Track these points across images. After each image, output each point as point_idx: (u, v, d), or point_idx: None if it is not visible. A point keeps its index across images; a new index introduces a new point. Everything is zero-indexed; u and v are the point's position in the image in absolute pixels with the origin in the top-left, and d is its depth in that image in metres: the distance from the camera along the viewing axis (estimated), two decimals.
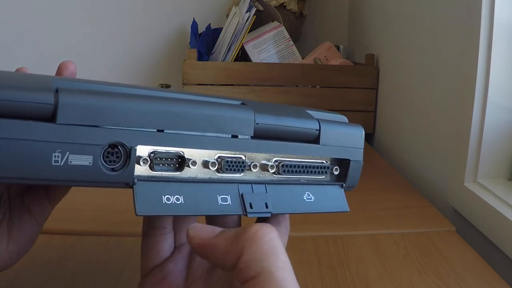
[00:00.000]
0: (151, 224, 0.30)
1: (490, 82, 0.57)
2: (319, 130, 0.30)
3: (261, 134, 0.27)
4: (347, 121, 0.33)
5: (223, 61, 1.05)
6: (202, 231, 0.25)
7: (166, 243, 0.30)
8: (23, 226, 0.28)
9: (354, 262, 0.45)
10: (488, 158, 0.59)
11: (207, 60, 1.06)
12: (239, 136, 0.27)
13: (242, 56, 1.12)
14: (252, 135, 0.27)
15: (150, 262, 0.30)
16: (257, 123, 0.27)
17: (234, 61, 1.05)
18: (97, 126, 0.22)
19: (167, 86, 1.16)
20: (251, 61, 1.10)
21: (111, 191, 0.23)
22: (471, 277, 0.43)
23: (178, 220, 0.31)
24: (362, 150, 0.32)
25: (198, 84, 1.01)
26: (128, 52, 1.32)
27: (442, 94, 0.70)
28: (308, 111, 0.32)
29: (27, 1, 1.26)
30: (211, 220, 0.32)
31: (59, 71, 0.30)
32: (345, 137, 0.31)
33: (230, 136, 0.26)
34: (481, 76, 0.57)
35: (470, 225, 0.58)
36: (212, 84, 1.01)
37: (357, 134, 0.32)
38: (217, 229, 0.25)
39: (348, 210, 0.31)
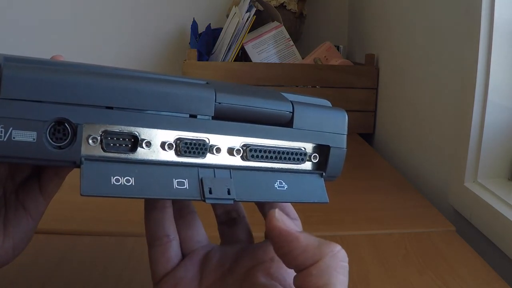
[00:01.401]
0: (154, 234, 0.30)
1: (490, 82, 0.57)
2: (293, 112, 0.27)
3: (224, 115, 0.25)
4: (330, 105, 0.31)
5: (223, 61, 1.05)
6: (287, 219, 0.25)
7: (173, 251, 0.30)
8: (19, 222, 0.29)
9: (354, 262, 0.45)
10: (488, 158, 0.59)
11: (207, 60, 1.06)
12: (198, 116, 0.25)
13: (242, 56, 1.12)
14: (213, 115, 0.25)
15: (160, 270, 0.30)
16: (219, 103, 0.25)
17: (234, 61, 1.05)
18: (41, 102, 0.21)
19: None
20: (251, 61, 1.10)
21: None
22: (471, 277, 0.43)
23: (185, 229, 0.31)
24: (345, 136, 0.29)
25: None
26: (128, 52, 1.32)
27: (442, 94, 0.70)
28: (284, 94, 0.29)
29: (27, 0, 1.26)
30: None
31: None
32: (324, 122, 0.28)
33: (188, 115, 0.25)
34: (481, 76, 0.57)
35: (470, 225, 0.58)
36: None
37: (339, 118, 0.29)
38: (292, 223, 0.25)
39: (327, 201, 0.28)
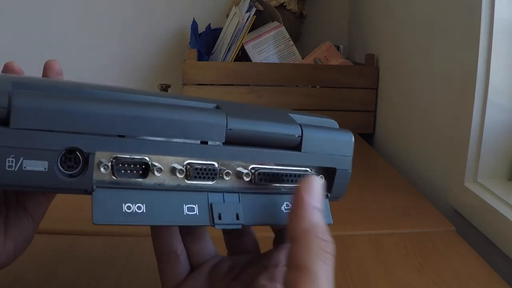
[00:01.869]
0: (162, 251, 0.31)
1: (490, 82, 0.57)
2: (301, 136, 0.28)
3: (234, 140, 0.26)
4: (337, 126, 0.31)
5: (223, 61, 1.05)
6: (318, 190, 0.25)
7: (181, 265, 0.31)
8: (20, 223, 0.29)
9: (354, 262, 0.45)
10: (488, 158, 0.59)
11: (207, 60, 1.06)
12: (209, 142, 0.25)
13: (242, 56, 1.12)
14: (224, 141, 0.25)
15: (170, 284, 0.30)
16: (230, 129, 0.25)
17: (234, 61, 1.05)
18: (52, 131, 0.21)
19: (167, 86, 1.16)
20: (251, 61, 1.10)
21: None
22: (471, 277, 0.43)
23: (193, 243, 0.32)
24: (351, 158, 0.30)
25: (198, 84, 1.01)
26: (128, 52, 1.32)
27: (442, 94, 0.70)
28: (292, 115, 0.30)
29: (27, 1, 1.26)
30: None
31: (44, 72, 0.30)
32: (331, 144, 0.29)
33: (199, 142, 0.25)
34: (481, 76, 0.57)
35: (470, 225, 0.58)
36: (212, 84, 1.01)
37: (346, 141, 0.29)
38: (321, 204, 0.25)
39: (331, 222, 0.29)
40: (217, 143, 0.25)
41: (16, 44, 1.27)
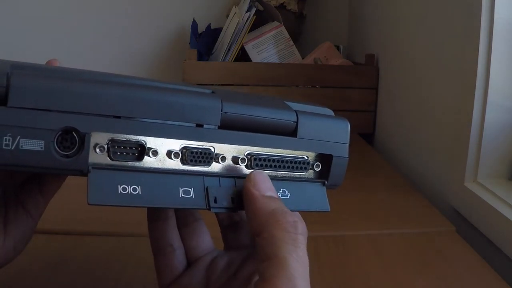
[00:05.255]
0: (158, 244, 0.31)
1: (490, 82, 0.57)
2: (297, 122, 0.28)
3: (230, 125, 0.26)
4: (333, 114, 0.31)
5: (223, 61, 1.05)
6: (264, 183, 0.25)
7: (177, 260, 0.30)
8: (19, 222, 0.29)
9: (354, 262, 0.45)
10: (488, 158, 0.59)
11: (207, 60, 1.06)
12: (205, 126, 0.25)
13: (242, 56, 1.12)
14: (219, 124, 0.25)
15: (166, 279, 0.30)
16: (225, 112, 0.25)
17: (234, 61, 1.05)
18: (49, 111, 0.21)
19: None
20: (251, 61, 1.10)
21: None
22: (471, 277, 0.43)
23: (190, 238, 0.31)
24: (347, 145, 0.30)
25: (198, 84, 1.01)
26: (128, 52, 1.32)
27: (442, 94, 0.70)
28: (287, 102, 0.30)
29: (27, 2, 1.26)
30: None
31: None
32: (327, 131, 0.29)
33: (194, 125, 0.25)
34: (481, 76, 0.57)
35: (470, 225, 0.58)
36: (212, 84, 1.01)
37: (342, 128, 0.30)
38: (273, 191, 0.25)
39: (329, 209, 0.29)
40: (212, 126, 0.25)
41: (14, 44, 1.27)
